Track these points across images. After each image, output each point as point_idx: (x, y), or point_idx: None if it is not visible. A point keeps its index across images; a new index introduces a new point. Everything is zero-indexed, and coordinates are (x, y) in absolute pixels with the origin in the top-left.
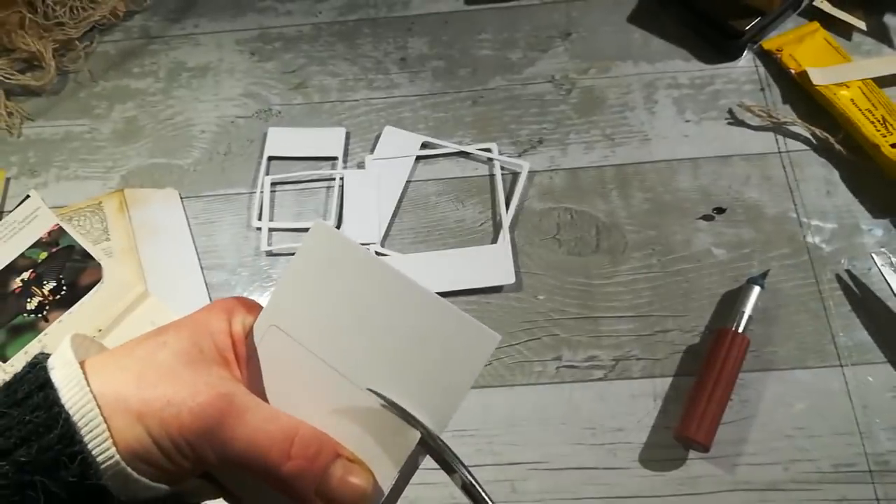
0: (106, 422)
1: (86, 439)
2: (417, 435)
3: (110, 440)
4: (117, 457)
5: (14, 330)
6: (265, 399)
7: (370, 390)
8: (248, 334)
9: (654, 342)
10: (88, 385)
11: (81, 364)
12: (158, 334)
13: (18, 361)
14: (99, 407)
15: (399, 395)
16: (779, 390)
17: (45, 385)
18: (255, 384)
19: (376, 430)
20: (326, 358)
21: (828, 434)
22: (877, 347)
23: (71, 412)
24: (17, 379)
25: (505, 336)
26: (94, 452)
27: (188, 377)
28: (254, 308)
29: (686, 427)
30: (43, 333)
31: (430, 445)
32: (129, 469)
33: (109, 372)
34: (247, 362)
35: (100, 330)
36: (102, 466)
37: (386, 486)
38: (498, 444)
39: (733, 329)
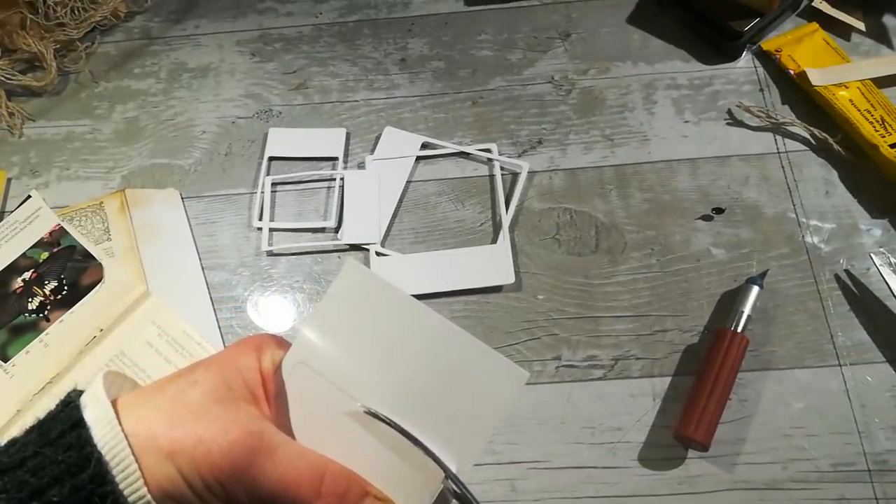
0: (137, 461)
1: (117, 479)
2: (443, 473)
3: (141, 480)
4: (148, 497)
5: (15, 330)
6: (292, 435)
7: (395, 427)
8: (277, 370)
9: (653, 342)
10: (120, 424)
11: (113, 403)
12: (189, 372)
13: (20, 361)
14: (130, 446)
15: (427, 432)
16: (778, 390)
17: (78, 424)
18: (283, 420)
19: (404, 467)
20: (355, 395)
21: (826, 433)
22: (875, 347)
23: (103, 452)
24: (50, 417)
25: (504, 336)
26: (125, 492)
27: (218, 415)
28: (284, 344)
29: (685, 426)
30: (44, 333)
31: (453, 484)
32: None
33: (141, 411)
34: (275, 398)
35: (101, 330)
36: None
37: None
38: (497, 443)
39: (732, 329)
